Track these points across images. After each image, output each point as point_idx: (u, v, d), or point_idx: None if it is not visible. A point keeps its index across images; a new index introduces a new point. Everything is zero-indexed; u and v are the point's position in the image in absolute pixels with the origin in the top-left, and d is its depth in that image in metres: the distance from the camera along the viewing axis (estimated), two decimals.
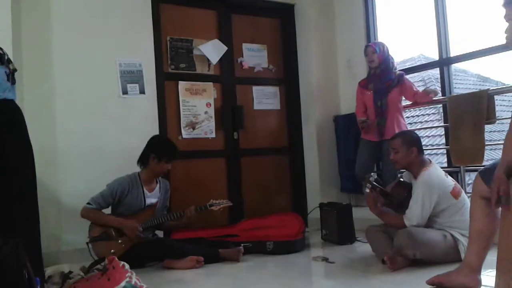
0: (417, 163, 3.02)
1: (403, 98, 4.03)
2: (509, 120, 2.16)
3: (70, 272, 2.67)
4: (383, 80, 3.94)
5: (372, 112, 3.96)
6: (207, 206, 3.55)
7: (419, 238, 2.78)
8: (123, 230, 3.33)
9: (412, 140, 3.06)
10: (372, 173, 3.13)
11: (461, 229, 2.79)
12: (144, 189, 3.51)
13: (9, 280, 1.80)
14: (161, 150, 3.49)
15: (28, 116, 3.11)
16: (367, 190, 3.06)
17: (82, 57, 3.85)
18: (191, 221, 3.53)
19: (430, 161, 3.04)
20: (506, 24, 2.06)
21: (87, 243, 3.30)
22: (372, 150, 4.01)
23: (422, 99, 3.90)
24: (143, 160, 3.53)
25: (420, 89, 4.02)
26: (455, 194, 2.91)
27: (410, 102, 4.08)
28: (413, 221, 2.88)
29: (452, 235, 2.85)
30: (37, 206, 2.41)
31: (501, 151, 2.12)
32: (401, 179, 3.25)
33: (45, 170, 3.42)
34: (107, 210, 3.47)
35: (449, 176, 3.06)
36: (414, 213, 2.88)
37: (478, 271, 2.27)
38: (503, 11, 2.07)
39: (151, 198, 3.54)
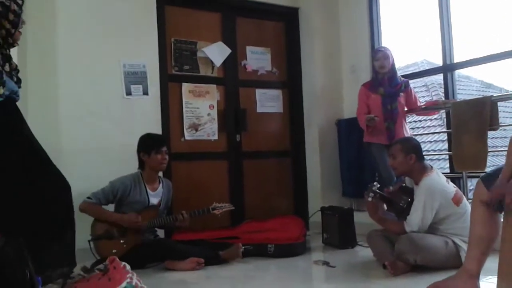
0: (417, 170, 3.01)
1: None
2: None
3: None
4: (393, 84, 3.96)
5: (380, 115, 3.92)
6: (209, 209, 3.55)
7: (420, 244, 2.78)
8: (123, 224, 3.33)
9: (410, 147, 3.05)
10: (375, 182, 3.12)
11: (462, 235, 2.78)
12: (147, 188, 3.52)
13: (11, 279, 1.81)
14: (145, 145, 3.54)
15: (32, 116, 3.15)
16: (370, 199, 3.06)
17: (87, 58, 3.86)
18: (186, 224, 3.52)
19: (431, 167, 3.04)
20: None
21: (89, 241, 3.30)
22: (386, 153, 3.97)
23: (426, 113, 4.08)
24: (139, 163, 3.57)
25: (423, 94, 4.06)
26: (457, 201, 2.91)
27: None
28: (414, 227, 2.88)
29: (453, 241, 2.85)
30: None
31: (503, 157, 2.12)
32: (404, 184, 3.25)
33: None
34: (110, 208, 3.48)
35: (450, 182, 3.06)
36: (415, 219, 2.88)
37: (477, 277, 2.26)
38: None
39: (154, 198, 3.55)
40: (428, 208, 2.85)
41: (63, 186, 2.60)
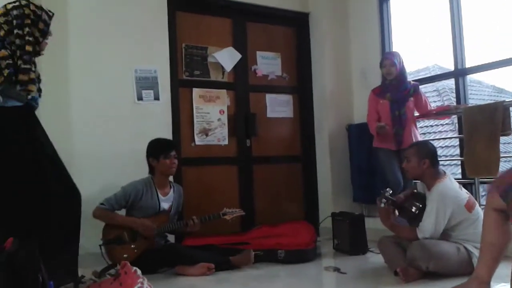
0: (430, 175, 2.99)
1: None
2: None
3: (83, 276, 2.70)
4: (400, 90, 3.94)
5: (389, 121, 3.92)
6: (220, 214, 3.56)
7: (432, 250, 2.76)
8: (137, 229, 3.34)
9: (426, 152, 3.03)
10: (387, 188, 3.10)
11: (474, 241, 2.76)
12: (158, 192, 3.53)
13: (24, 283, 1.82)
14: (154, 150, 3.55)
15: (44, 120, 3.17)
16: (382, 205, 3.03)
17: (98, 63, 3.89)
18: (196, 229, 3.53)
19: (445, 173, 3.01)
20: None
21: (100, 245, 3.32)
22: (395, 158, 3.98)
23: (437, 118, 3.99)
24: (149, 168, 3.59)
25: (434, 99, 4.03)
26: (469, 207, 2.88)
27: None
28: (426, 234, 2.85)
29: (465, 248, 2.82)
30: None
31: None
32: (415, 190, 3.23)
33: None
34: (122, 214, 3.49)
35: (463, 189, 3.03)
36: (428, 226, 2.86)
37: (488, 284, 2.24)
38: None
39: (165, 202, 3.56)
40: (441, 215, 2.83)
41: (74, 193, 2.62)
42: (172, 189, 3.64)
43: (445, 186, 2.90)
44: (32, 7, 2.54)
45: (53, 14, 2.65)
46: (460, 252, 2.82)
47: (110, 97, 3.92)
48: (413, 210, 3.05)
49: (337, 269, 3.21)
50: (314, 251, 3.73)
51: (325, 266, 3.39)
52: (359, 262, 3.53)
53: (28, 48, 2.49)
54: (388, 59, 3.96)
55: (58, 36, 3.73)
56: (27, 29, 2.49)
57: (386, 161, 3.99)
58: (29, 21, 2.51)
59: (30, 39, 2.50)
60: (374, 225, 3.98)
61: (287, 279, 3.22)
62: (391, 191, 3.08)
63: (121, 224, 3.36)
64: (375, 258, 3.55)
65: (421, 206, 3.00)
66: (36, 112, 2.70)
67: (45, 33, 2.61)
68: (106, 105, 3.89)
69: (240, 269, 3.34)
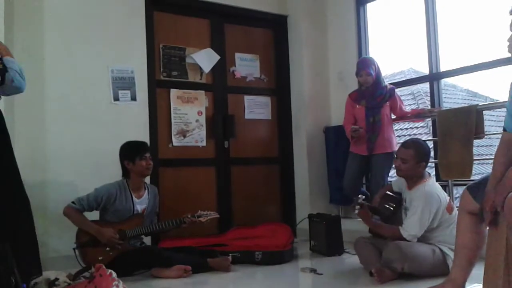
0: (419, 175, 3.02)
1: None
2: (497, 136, 2.18)
3: (56, 279, 2.65)
4: (375, 96, 3.96)
5: (363, 126, 3.96)
6: (195, 216, 3.53)
7: (407, 252, 2.79)
8: (99, 238, 3.27)
9: (423, 155, 3.01)
10: (360, 195, 3.12)
11: (450, 243, 2.79)
12: (133, 195, 3.50)
13: None
14: (128, 153, 3.50)
15: (19, 120, 3.13)
16: (357, 211, 3.05)
17: (74, 63, 3.83)
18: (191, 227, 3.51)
19: (429, 174, 3.06)
20: (509, 33, 1.99)
21: (74, 249, 3.27)
22: (361, 164, 4.02)
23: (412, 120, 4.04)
24: (123, 172, 3.53)
25: (409, 102, 4.09)
26: (450, 209, 2.94)
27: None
28: (410, 231, 2.86)
29: (441, 250, 2.87)
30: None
31: (489, 165, 2.15)
32: (387, 192, 3.28)
33: (33, 175, 3.40)
34: (92, 215, 3.44)
35: (443, 191, 3.08)
36: (412, 223, 2.87)
37: (462, 286, 2.28)
38: (509, 19, 1.98)
39: (140, 205, 3.52)
40: (426, 213, 2.85)
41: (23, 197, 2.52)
42: (146, 191, 3.60)
43: (430, 187, 2.95)
44: None
45: None
46: (435, 254, 2.85)
47: (86, 97, 3.87)
48: (387, 212, 3.11)
49: (313, 270, 3.23)
50: (291, 253, 3.74)
51: (301, 267, 3.40)
52: (335, 263, 3.56)
53: None
54: (363, 69, 3.95)
55: (34, 35, 3.70)
56: None
57: (348, 166, 4.10)
58: None
59: None
60: (350, 226, 4.03)
61: (264, 280, 3.22)
62: (364, 196, 3.10)
63: (85, 229, 3.30)
64: (351, 259, 3.58)
65: (394, 206, 3.06)
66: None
67: None
68: (82, 105, 3.84)
69: (217, 271, 3.33)
